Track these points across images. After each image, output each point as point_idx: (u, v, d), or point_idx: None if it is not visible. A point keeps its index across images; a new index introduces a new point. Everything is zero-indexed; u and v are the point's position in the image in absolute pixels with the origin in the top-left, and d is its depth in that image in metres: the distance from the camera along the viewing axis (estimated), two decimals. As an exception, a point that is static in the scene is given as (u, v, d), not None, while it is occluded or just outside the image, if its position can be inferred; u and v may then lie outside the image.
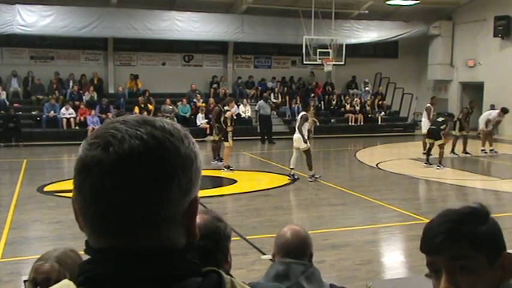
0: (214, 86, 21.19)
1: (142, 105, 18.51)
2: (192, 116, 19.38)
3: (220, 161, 12.95)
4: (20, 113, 17.97)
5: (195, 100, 19.99)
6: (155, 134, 0.84)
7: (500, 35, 19.70)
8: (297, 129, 11.06)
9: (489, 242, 1.18)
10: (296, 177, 11.29)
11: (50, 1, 18.27)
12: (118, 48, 20.61)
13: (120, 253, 0.83)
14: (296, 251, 2.23)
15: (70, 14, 18.32)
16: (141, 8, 19.20)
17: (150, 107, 18.76)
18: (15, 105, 18.25)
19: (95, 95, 19.41)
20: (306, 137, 10.97)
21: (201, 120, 19.05)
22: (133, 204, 0.82)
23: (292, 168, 11.27)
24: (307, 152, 11.06)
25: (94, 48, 20.54)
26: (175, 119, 17.96)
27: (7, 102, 18.11)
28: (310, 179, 11.18)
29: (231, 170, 12.21)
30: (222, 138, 12.57)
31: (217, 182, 11.45)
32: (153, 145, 0.83)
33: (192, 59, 21.85)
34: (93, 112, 17.97)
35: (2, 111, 17.45)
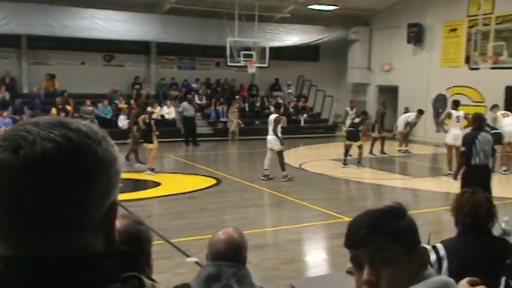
0: (137, 87, 20.74)
1: (60, 106, 17.73)
2: (114, 118, 18.86)
3: (143, 164, 12.72)
4: None
5: (116, 101, 19.46)
6: (70, 136, 0.81)
7: (412, 42, 20.78)
8: (271, 131, 11.46)
9: (407, 236, 1.27)
10: (270, 177, 11.55)
11: (-43, -6, 17.11)
12: (33, 47, 19.61)
13: (32, 259, 0.79)
14: (229, 259, 2.21)
15: (-21, 8, 17.23)
16: (57, 5, 18.39)
17: (69, 108, 18.01)
18: None
19: (7, 95, 18.36)
20: (280, 139, 11.39)
21: (122, 121, 18.56)
22: (46, 208, 0.78)
23: (266, 169, 11.56)
24: (280, 153, 11.45)
25: (6, 45, 19.37)
26: (95, 120, 17.37)
27: None
28: (283, 179, 11.48)
29: (155, 172, 12.00)
30: (141, 140, 12.43)
31: (141, 184, 11.21)
32: (68, 147, 0.80)
33: (113, 58, 21.25)
34: (5, 113, 17.00)
35: None
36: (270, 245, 6.93)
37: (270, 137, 11.59)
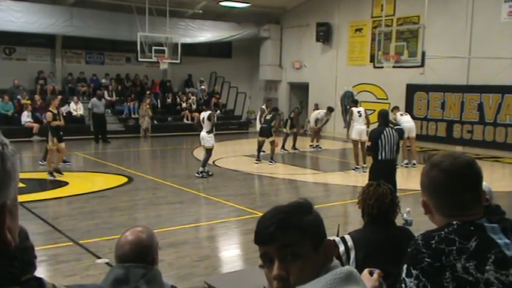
0: (41, 82, 19.69)
1: (-45, 102, 16.46)
2: (16, 114, 17.79)
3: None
4: None
5: (19, 97, 18.35)
6: None
7: (321, 40, 21.47)
8: (205, 129, 11.63)
9: (314, 230, 1.31)
10: (210, 173, 11.74)
11: None
12: None
13: None
14: (137, 260, 2.15)
15: None
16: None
17: (-36, 104, 16.77)
18: None
19: None
20: (212, 136, 11.68)
21: (26, 118, 17.57)
22: None
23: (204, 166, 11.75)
24: (209, 150, 11.68)
25: None
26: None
27: None
28: (197, 173, 11.59)
29: (53, 176, 11.10)
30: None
31: (47, 184, 10.68)
32: None
33: (14, 52, 20.02)
34: None
35: None
36: (184, 243, 6.88)
37: (203, 133, 11.70)
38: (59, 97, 12.18)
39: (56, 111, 11.29)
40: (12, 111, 17.84)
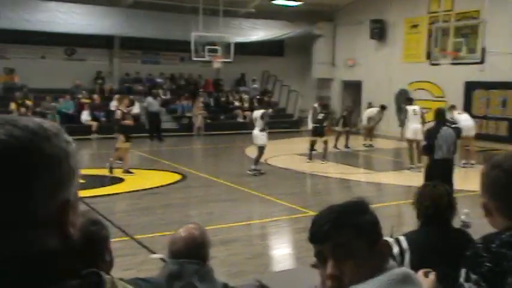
0: (100, 81, 20.36)
1: (20, 101, 17.26)
2: (76, 113, 18.48)
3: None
4: None
5: (79, 96, 19.07)
6: (15, 134, 0.79)
7: (375, 37, 21.08)
8: (258, 127, 11.72)
9: (369, 229, 1.30)
10: (262, 171, 11.83)
11: None
12: (-10, 40, 19.03)
13: None
14: (190, 256, 2.19)
15: None
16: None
17: (29, 102, 17.55)
18: None
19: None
20: (264, 134, 11.76)
21: (86, 117, 18.22)
22: None
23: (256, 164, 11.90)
24: (261, 148, 11.77)
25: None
26: (56, 115, 17.03)
27: None
28: (249, 171, 11.65)
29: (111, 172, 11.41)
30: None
31: (104, 181, 11.03)
32: (12, 145, 0.78)
33: (75, 52, 20.80)
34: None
35: None
36: (236, 240, 6.93)
37: (256, 132, 11.77)
38: (117, 96, 12.57)
39: (125, 111, 11.63)
40: (73, 109, 18.55)
